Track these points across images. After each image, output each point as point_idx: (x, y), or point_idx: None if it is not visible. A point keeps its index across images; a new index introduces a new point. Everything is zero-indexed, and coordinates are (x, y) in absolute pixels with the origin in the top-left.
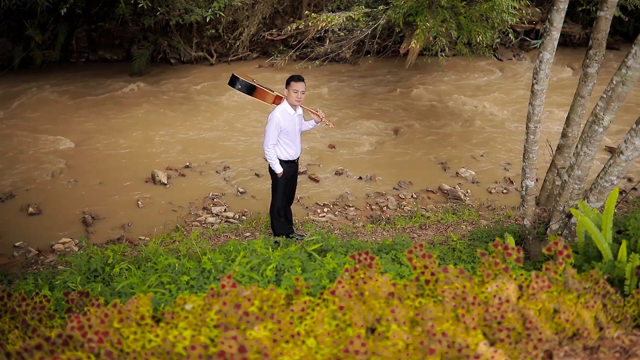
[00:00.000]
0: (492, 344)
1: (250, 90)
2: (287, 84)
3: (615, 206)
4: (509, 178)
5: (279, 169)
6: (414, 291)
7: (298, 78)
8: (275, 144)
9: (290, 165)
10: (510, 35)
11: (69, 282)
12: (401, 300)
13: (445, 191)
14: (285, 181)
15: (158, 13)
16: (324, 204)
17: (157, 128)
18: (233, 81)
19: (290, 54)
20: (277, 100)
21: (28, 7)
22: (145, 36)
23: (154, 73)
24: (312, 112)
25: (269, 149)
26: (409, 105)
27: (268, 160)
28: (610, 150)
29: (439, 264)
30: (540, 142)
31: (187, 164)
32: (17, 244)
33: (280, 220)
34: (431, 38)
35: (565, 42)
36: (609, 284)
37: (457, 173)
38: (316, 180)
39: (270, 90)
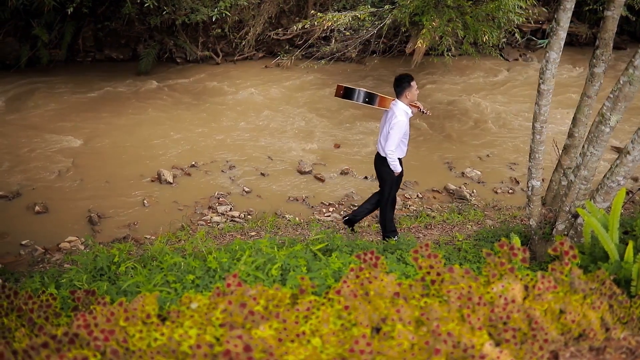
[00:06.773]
0: (497, 344)
1: (372, 99)
2: (408, 84)
3: (622, 207)
4: (514, 178)
5: (399, 168)
6: (419, 291)
7: (412, 77)
8: (398, 145)
9: (401, 163)
10: (516, 35)
11: (75, 280)
12: (406, 300)
13: (450, 191)
14: (397, 177)
15: (164, 12)
16: (330, 204)
17: (163, 127)
18: (349, 93)
19: (296, 53)
20: (389, 103)
21: (35, 7)
22: (151, 35)
23: (160, 72)
24: (413, 105)
25: (393, 152)
26: None
27: (390, 163)
28: (617, 151)
29: (445, 264)
30: (546, 142)
31: (193, 163)
32: (23, 243)
33: (391, 215)
34: (437, 38)
35: (572, 41)
36: (615, 285)
37: (462, 173)
38: (321, 180)
39: (384, 95)
